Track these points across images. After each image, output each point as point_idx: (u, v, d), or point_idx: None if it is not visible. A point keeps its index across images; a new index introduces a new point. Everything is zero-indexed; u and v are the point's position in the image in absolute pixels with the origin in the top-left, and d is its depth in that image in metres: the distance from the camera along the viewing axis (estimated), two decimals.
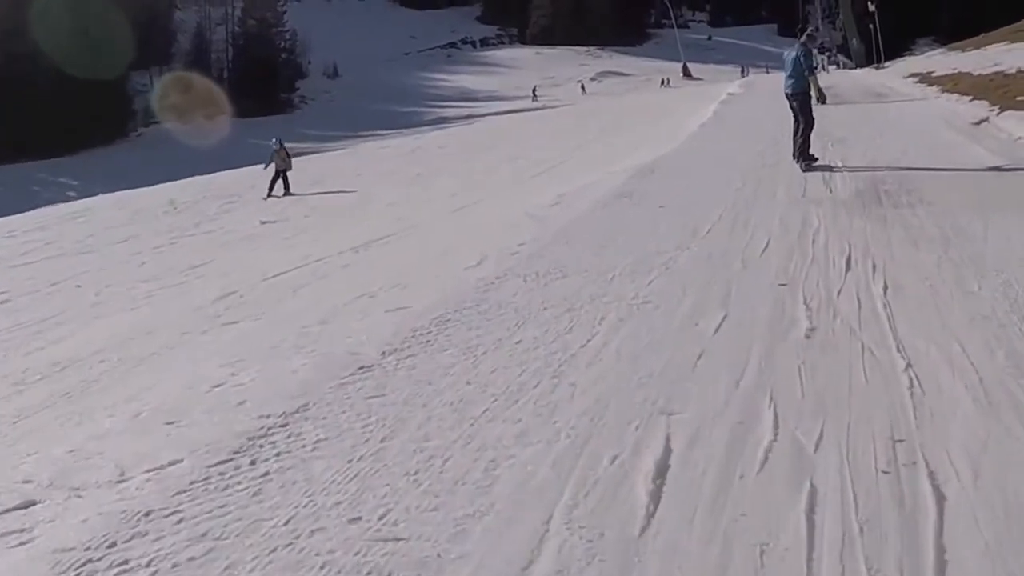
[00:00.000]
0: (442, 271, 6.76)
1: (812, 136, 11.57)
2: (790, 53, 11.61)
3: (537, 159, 19.05)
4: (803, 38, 12.09)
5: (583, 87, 70.18)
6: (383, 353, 4.58)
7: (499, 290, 5.83)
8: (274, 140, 21.91)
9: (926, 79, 26.55)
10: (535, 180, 15.39)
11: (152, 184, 27.50)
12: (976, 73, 23.96)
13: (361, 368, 4.35)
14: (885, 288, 5.38)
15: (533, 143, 23.93)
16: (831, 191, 9.37)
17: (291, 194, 20.38)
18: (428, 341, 4.79)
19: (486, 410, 3.74)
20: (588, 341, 4.61)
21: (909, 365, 4.05)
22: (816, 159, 11.19)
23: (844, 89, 26.53)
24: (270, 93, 78.67)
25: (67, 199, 42.07)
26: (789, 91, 11.61)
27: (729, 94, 27.93)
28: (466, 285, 6.02)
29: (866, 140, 13.40)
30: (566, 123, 31.00)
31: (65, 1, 65.89)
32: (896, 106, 19.36)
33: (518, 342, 4.69)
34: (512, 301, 5.51)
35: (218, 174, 27.68)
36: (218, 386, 4.42)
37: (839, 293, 5.37)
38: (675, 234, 7.42)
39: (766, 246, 6.75)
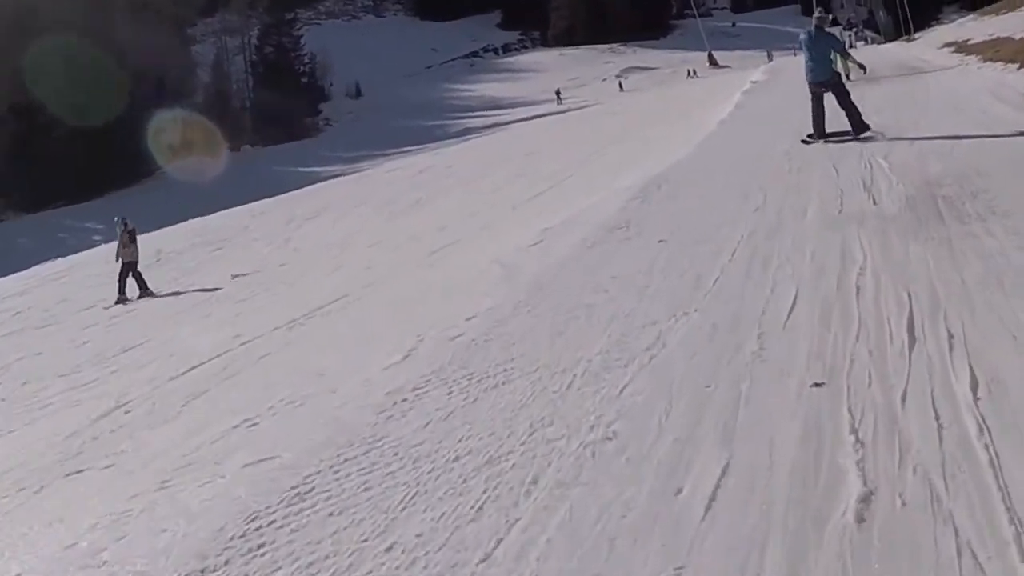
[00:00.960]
0: (352, 375, 4.91)
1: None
2: (808, 38, 11.21)
3: (545, 173, 17.19)
4: (815, 22, 11.52)
5: (621, 85, 67.71)
6: None
7: (408, 416, 4.01)
8: (117, 219, 16.17)
9: (963, 48, 24.21)
10: (533, 203, 13.56)
11: (173, 223, 26.66)
12: (1018, 37, 21.62)
13: None
14: (975, 386, 3.42)
15: (546, 153, 22.10)
16: (875, 202, 7.40)
17: (149, 293, 15.09)
18: (251, 551, 2.93)
19: None
20: (494, 548, 2.72)
21: None
22: (868, 127, 10.80)
23: (876, 65, 24.24)
24: (293, 118, 77.55)
25: (93, 244, 41.38)
26: (813, 79, 11.11)
27: (752, 83, 25.82)
28: (369, 405, 4.18)
29: (909, 124, 11.33)
30: (584, 128, 29.12)
31: (57, 50, 65.23)
32: (936, 80, 17.16)
33: (388, 549, 2.81)
34: (415, 445, 3.67)
35: (219, 214, 26.29)
36: None
37: (904, 400, 3.42)
38: (672, 289, 5.51)
39: (792, 305, 4.81)
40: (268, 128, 76.62)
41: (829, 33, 11.77)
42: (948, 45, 25.89)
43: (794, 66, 28.97)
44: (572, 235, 7.98)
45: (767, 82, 25.91)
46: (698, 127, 16.28)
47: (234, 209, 25.85)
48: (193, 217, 27.80)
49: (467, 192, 17.54)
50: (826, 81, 11.01)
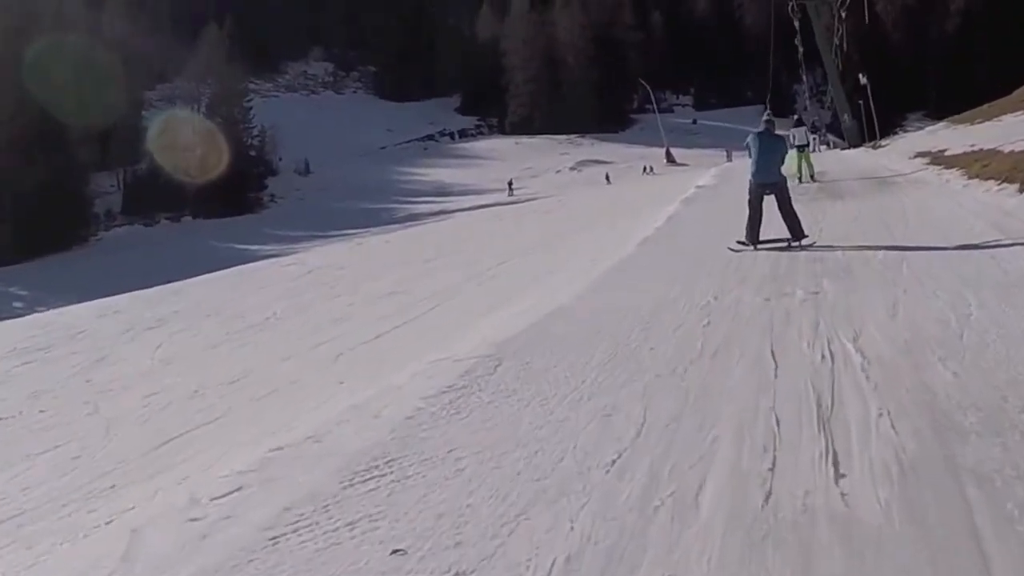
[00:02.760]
0: None
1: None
2: (755, 140, 10.85)
3: (423, 293, 13.59)
4: (763, 124, 11.17)
5: (608, 177, 63.27)
6: None
7: None
8: None
9: (939, 160, 20.76)
10: (359, 355, 9.58)
11: (101, 294, 24.11)
12: (1007, 150, 18.14)
13: None
14: None
15: (447, 259, 18.43)
16: (838, 477, 3.32)
17: None
18: None
19: None
20: None
21: None
22: (806, 235, 10.23)
23: (840, 174, 20.75)
24: (238, 192, 73.68)
25: (13, 311, 36.83)
26: (764, 180, 10.55)
27: (697, 188, 22.21)
28: None
29: (886, 275, 7.70)
30: (507, 228, 25.38)
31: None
32: (914, 202, 13.63)
33: None
34: None
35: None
36: None
37: None
38: None
39: None
40: (212, 201, 72.68)
41: (778, 136, 11.29)
42: (921, 155, 22.51)
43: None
44: (317, 468, 3.95)
45: (712, 188, 22.30)
46: (612, 248, 12.59)
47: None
48: (103, 292, 25.20)
49: (320, 313, 13.54)
50: (772, 184, 10.59)
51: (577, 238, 17.50)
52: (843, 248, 9.64)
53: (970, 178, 15.83)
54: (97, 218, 69.20)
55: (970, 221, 10.57)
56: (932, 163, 20.27)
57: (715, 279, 8.53)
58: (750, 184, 10.61)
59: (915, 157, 22.68)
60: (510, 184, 65.12)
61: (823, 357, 5.31)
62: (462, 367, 6.10)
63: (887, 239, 10.04)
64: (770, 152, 10.58)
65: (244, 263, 32.70)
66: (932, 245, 9.17)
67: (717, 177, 25.00)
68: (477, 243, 20.89)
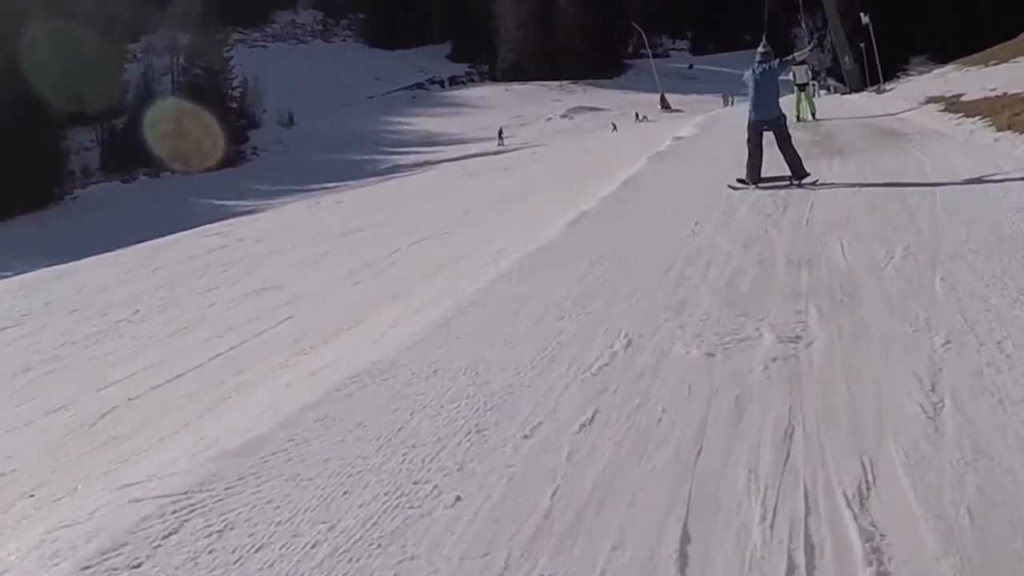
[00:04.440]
0: None
1: None
2: (751, 75, 10.04)
3: (283, 296, 9.91)
4: (758, 57, 10.16)
5: (614, 126, 56.87)
6: None
7: None
8: None
9: (956, 106, 17.09)
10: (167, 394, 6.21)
11: (74, 257, 21.18)
12: None
13: None
14: None
15: (356, 238, 15.07)
16: None
17: None
18: None
19: None
20: None
21: None
22: (809, 174, 9.55)
23: (842, 124, 17.07)
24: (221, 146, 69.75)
25: None
26: (762, 117, 9.80)
27: (675, 139, 18.52)
28: None
29: (911, 316, 4.06)
30: (470, 184, 21.76)
31: None
32: (936, 163, 10.35)
33: None
34: None
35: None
36: None
37: None
38: None
39: None
40: (192, 154, 68.83)
41: (774, 68, 10.07)
42: (933, 101, 18.82)
43: (735, 116, 21.91)
44: None
45: (694, 138, 18.71)
46: (567, 208, 10.33)
47: (151, 242, 20.55)
48: (71, 255, 22.41)
49: (173, 318, 10.30)
50: (770, 121, 9.88)
51: (540, 196, 14.10)
52: (840, 256, 6.12)
53: (1000, 130, 12.36)
54: (73, 175, 65.16)
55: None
56: (948, 110, 16.64)
57: (682, 256, 5.01)
58: (748, 122, 10.04)
59: (926, 103, 19.01)
60: (500, 133, 61.06)
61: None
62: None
63: (907, 230, 6.57)
64: (766, 89, 9.94)
65: (222, 219, 30.41)
66: (976, 242, 5.70)
67: (700, 127, 21.32)
68: (415, 209, 17.35)
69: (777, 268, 6.05)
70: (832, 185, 9.59)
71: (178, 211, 52.13)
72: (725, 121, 22.31)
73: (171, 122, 69.49)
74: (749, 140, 9.92)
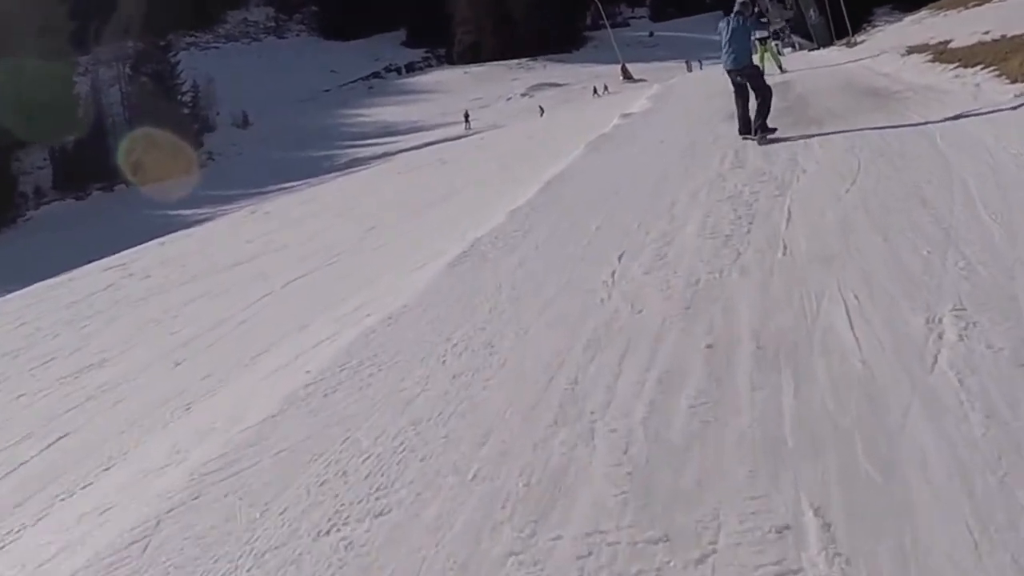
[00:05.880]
0: None
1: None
2: (726, 25, 9.55)
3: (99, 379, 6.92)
4: (736, 7, 9.72)
5: (542, 110, 53.91)
6: None
7: None
8: None
9: (947, 55, 14.27)
10: None
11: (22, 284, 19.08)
12: None
13: None
14: None
15: (279, 257, 12.50)
16: None
17: None
18: None
19: None
20: None
21: None
22: (775, 130, 9.03)
23: (815, 86, 14.19)
24: (175, 154, 66.48)
25: None
26: (732, 67, 9.52)
27: (623, 116, 15.64)
28: None
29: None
30: (396, 187, 18.90)
31: None
32: (948, 135, 7.11)
33: None
34: None
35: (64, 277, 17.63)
36: None
37: None
38: None
39: None
40: (147, 165, 65.64)
41: (744, 16, 9.66)
42: (916, 51, 15.97)
43: (694, 84, 19.00)
44: None
45: (646, 114, 15.81)
46: (479, 221, 7.64)
47: (106, 259, 19.13)
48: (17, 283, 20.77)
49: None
50: (739, 69, 9.42)
51: (431, 216, 11.18)
52: (846, 333, 3.33)
53: (1013, 80, 9.52)
54: (25, 197, 61.78)
55: None
56: (938, 60, 13.79)
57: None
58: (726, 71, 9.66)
59: (909, 54, 16.13)
60: (467, 116, 57.83)
61: None
62: None
63: (945, 264, 3.83)
64: (737, 39, 9.40)
65: (176, 230, 28.24)
66: None
67: (654, 99, 18.38)
68: (321, 226, 14.52)
69: (736, 371, 3.24)
70: (815, 175, 6.72)
71: (134, 225, 49.37)
72: (681, 91, 19.46)
73: (142, 152, 66.18)
74: (733, 91, 9.68)
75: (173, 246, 20.25)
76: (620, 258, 5.50)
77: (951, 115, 8.38)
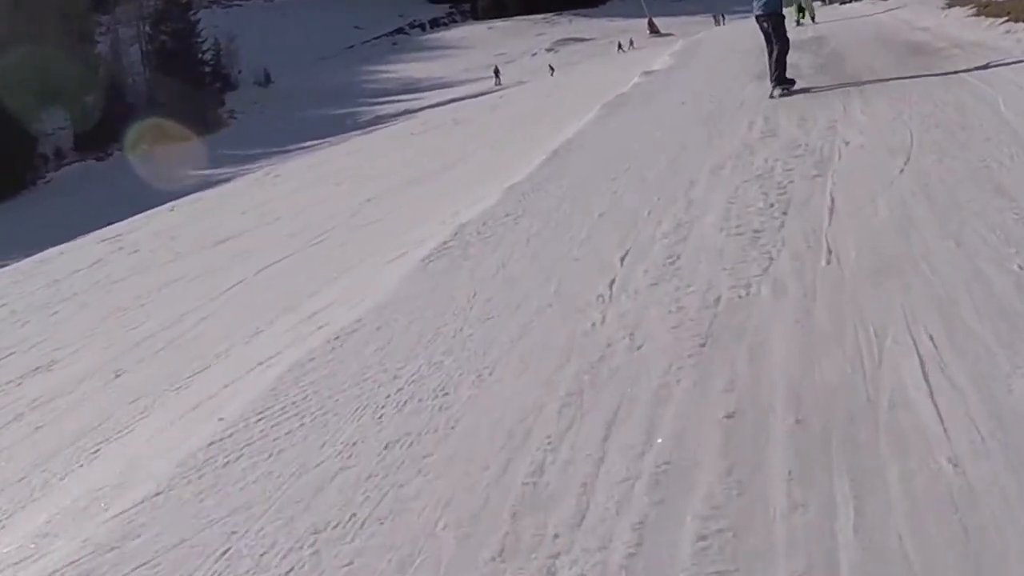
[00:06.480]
0: None
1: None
2: None
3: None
4: None
5: (552, 69, 53.10)
6: None
7: None
8: None
9: (990, 8, 12.78)
10: None
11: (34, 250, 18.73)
12: None
13: None
14: None
15: (268, 232, 11.75)
16: None
17: None
18: None
19: None
20: None
21: None
22: (793, 83, 8.78)
23: (850, 40, 12.84)
24: (196, 113, 65.51)
25: None
26: (760, 11, 9.29)
27: (645, 74, 14.40)
28: None
29: None
30: (404, 151, 17.85)
31: None
32: (1014, 98, 5.91)
33: None
34: None
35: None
36: None
37: None
38: None
39: None
40: (169, 125, 64.78)
41: None
42: (958, 3, 14.33)
43: (721, 39, 17.64)
44: None
45: (668, 72, 14.47)
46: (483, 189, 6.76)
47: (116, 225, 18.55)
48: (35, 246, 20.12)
49: None
50: (765, 16, 9.12)
51: (432, 186, 10.16)
52: (926, 407, 2.17)
53: None
54: (46, 159, 61.12)
55: None
56: (984, 14, 12.35)
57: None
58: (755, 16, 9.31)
59: (950, 7, 14.57)
60: (496, 72, 56.23)
61: None
62: None
63: None
64: None
65: (199, 191, 27.97)
66: None
67: (677, 56, 17.03)
68: (320, 195, 13.62)
69: (768, 468, 2.28)
70: (860, 149, 5.53)
71: (148, 189, 48.68)
72: (708, 46, 18.05)
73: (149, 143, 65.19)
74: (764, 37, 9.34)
75: (176, 215, 19.31)
76: (623, 260, 4.38)
77: (1010, 77, 7.09)
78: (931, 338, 2.82)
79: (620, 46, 51.72)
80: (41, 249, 19.19)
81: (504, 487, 2.51)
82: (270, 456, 3.15)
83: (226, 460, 3.21)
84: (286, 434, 3.31)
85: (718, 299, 3.59)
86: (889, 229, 3.99)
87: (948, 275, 3.30)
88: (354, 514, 2.58)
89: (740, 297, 3.56)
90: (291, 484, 2.90)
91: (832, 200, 4.65)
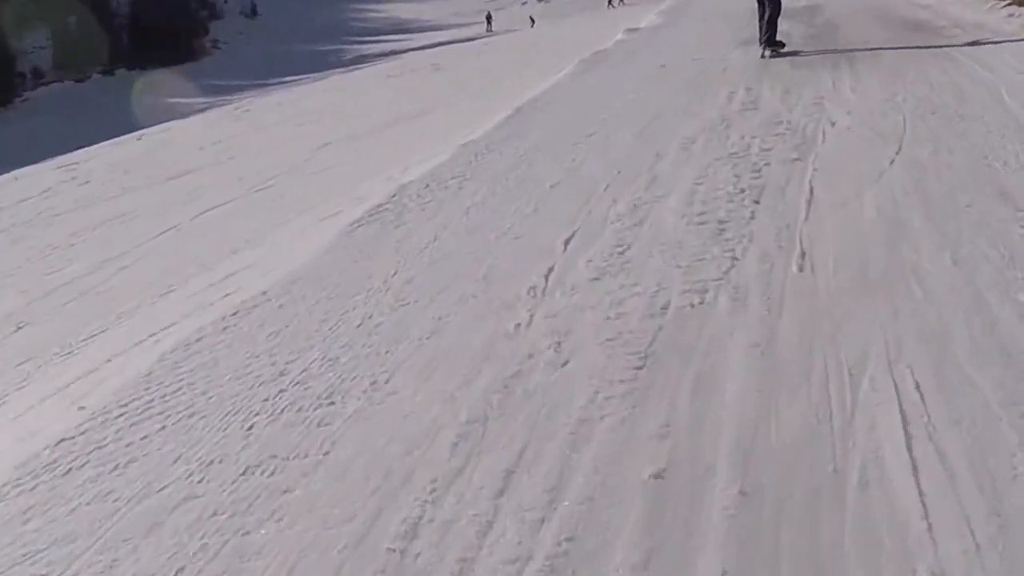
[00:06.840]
0: None
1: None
2: None
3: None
4: None
5: (532, 20, 52.61)
6: None
7: None
8: None
9: None
10: None
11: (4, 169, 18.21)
12: None
13: None
14: None
15: (221, 170, 11.17)
16: None
17: None
18: None
19: None
20: None
21: None
22: (783, 45, 8.55)
23: (845, 11, 12.17)
24: (180, 40, 63.74)
25: None
26: None
27: (628, 31, 13.64)
28: None
29: None
30: (379, 92, 17.05)
31: None
32: (1018, 85, 5.20)
33: None
34: None
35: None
36: None
37: None
38: None
39: None
40: (148, 50, 63.04)
41: None
42: None
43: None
44: None
45: (654, 30, 13.73)
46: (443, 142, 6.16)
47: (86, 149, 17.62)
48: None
49: None
50: None
51: (399, 131, 9.50)
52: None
53: None
54: (24, 77, 59.28)
55: None
56: None
57: None
58: None
59: None
60: (488, 18, 55.03)
61: None
62: None
63: None
64: None
65: (173, 119, 26.83)
66: None
67: (666, 14, 16.26)
68: (287, 133, 12.95)
69: (699, 566, 1.65)
70: (847, 131, 4.92)
71: (124, 113, 47.49)
72: (698, 7, 17.21)
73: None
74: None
75: (141, 144, 18.44)
76: (567, 244, 3.76)
77: (1013, 63, 6.47)
78: (917, 386, 2.24)
79: (610, 1, 50.36)
80: (7, 170, 18.41)
81: (364, 553, 1.92)
82: (116, 469, 2.55)
83: (69, 467, 2.61)
84: (142, 439, 2.71)
85: (666, 306, 2.99)
86: (875, 233, 3.40)
87: (942, 300, 2.72)
88: (181, 569, 1.98)
89: (692, 306, 2.96)
90: (126, 513, 2.30)
91: (811, 190, 4.05)
